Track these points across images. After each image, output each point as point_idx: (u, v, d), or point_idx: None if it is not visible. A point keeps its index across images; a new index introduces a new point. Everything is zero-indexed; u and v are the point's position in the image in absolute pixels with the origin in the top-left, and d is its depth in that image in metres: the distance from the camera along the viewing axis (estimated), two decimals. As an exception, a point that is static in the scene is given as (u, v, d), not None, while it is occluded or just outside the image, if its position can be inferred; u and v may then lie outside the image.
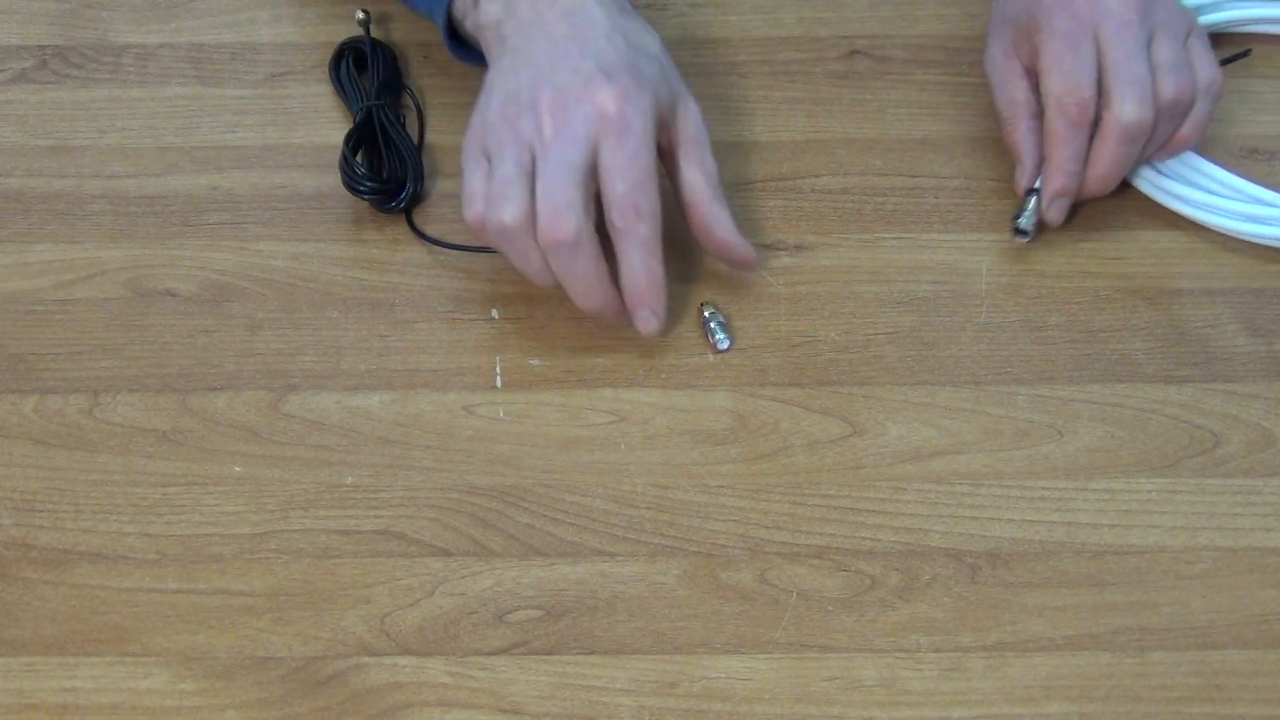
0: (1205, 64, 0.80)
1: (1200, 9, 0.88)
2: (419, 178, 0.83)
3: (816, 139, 0.87)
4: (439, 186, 0.85)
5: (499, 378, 0.77)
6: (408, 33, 0.92)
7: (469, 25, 0.82)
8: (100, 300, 0.80)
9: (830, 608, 0.69)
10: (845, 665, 0.68)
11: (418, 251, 0.82)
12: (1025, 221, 0.80)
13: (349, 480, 0.74)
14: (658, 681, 0.67)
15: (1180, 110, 0.79)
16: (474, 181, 0.75)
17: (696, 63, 0.90)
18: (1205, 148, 0.84)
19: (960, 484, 0.73)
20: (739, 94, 0.89)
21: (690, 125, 0.77)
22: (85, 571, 0.71)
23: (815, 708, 0.67)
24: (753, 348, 0.78)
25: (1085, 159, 0.79)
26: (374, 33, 0.90)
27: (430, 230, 0.82)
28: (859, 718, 0.66)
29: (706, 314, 0.78)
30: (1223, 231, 0.80)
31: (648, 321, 0.76)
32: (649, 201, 0.73)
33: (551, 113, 0.73)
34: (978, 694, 0.67)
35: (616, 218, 0.73)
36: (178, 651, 0.68)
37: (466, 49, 0.84)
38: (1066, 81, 0.77)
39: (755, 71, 0.90)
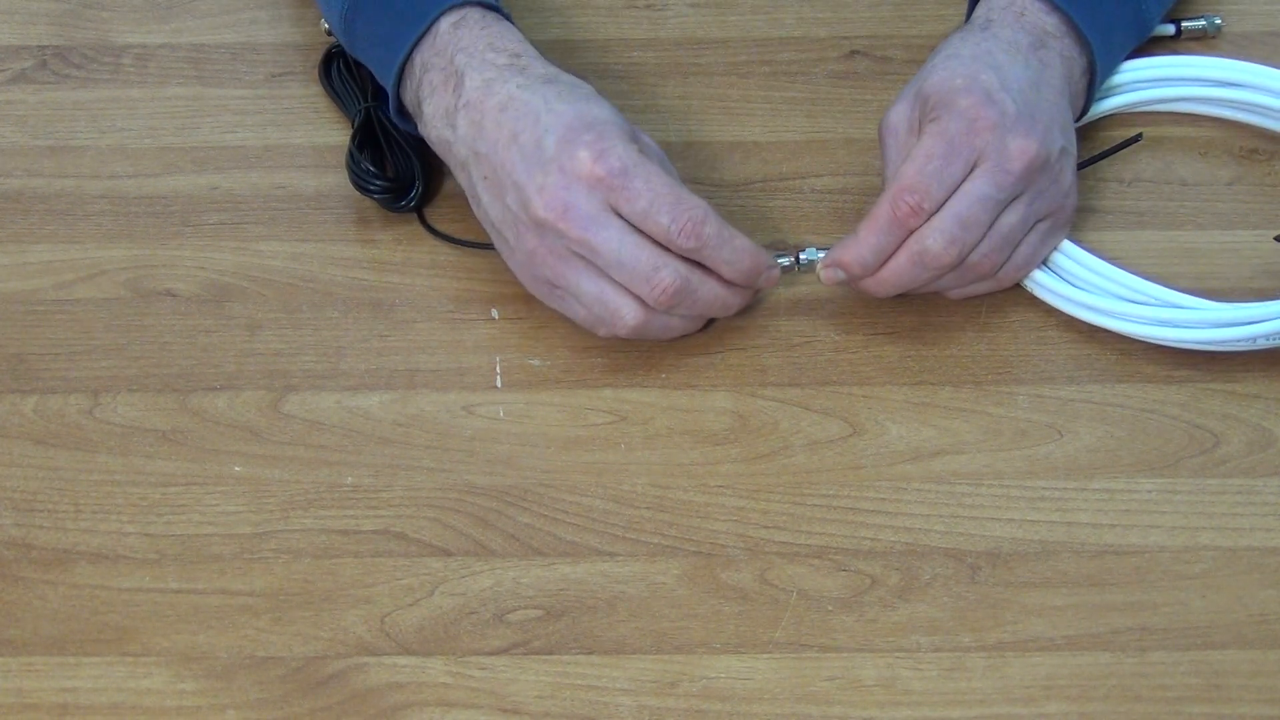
0: (1030, 254, 0.77)
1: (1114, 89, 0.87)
2: (427, 176, 0.83)
3: (816, 139, 0.87)
4: (446, 186, 0.85)
5: (499, 378, 0.77)
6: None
7: (420, 130, 0.80)
8: (100, 300, 0.80)
9: (830, 608, 0.69)
10: (845, 665, 0.68)
11: (418, 251, 0.82)
12: (807, 255, 0.77)
13: (349, 480, 0.74)
14: (658, 681, 0.67)
15: (973, 275, 0.76)
16: (575, 309, 0.75)
17: (696, 63, 0.90)
18: (1207, 150, 0.85)
19: (960, 484, 0.73)
20: (739, 94, 0.89)
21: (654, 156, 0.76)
22: (85, 571, 0.71)
23: (815, 708, 0.67)
24: (753, 348, 0.78)
25: (885, 257, 0.75)
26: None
27: (437, 228, 0.82)
28: (859, 718, 0.66)
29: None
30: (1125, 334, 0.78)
31: (770, 279, 0.76)
32: (694, 210, 0.72)
33: (559, 215, 0.72)
34: (978, 694, 0.67)
35: (683, 243, 0.72)
36: (178, 651, 0.68)
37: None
38: (918, 180, 0.73)
39: (755, 71, 0.90)
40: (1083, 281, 0.78)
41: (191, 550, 0.72)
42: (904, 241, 0.74)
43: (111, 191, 0.85)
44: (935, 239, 0.73)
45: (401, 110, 0.81)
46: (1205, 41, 0.90)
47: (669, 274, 0.72)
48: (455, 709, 0.67)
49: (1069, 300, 0.78)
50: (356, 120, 0.85)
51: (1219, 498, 0.73)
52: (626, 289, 0.73)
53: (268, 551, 0.71)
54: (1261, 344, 0.75)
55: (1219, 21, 0.90)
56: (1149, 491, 0.73)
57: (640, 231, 0.72)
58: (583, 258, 0.73)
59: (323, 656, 0.68)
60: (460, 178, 0.78)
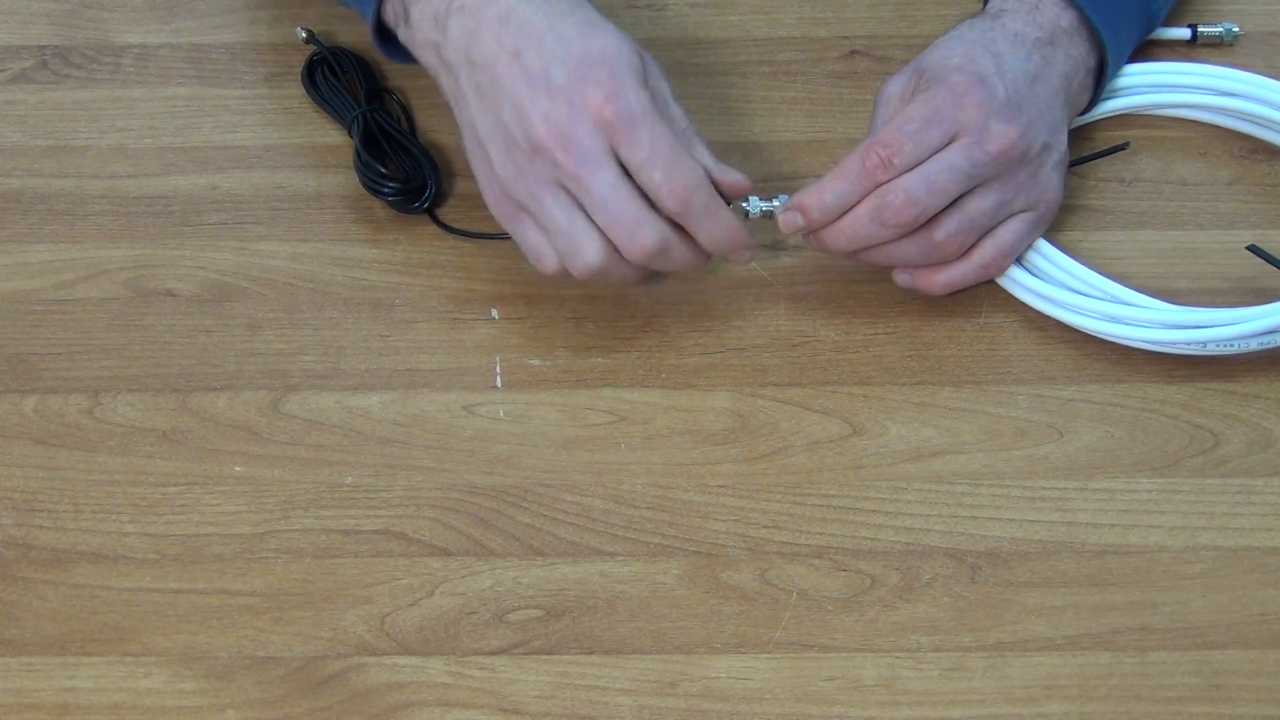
0: (1001, 246, 0.76)
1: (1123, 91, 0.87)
2: (439, 176, 0.83)
3: (816, 139, 0.87)
4: (456, 186, 0.85)
5: (499, 378, 0.77)
6: (353, 36, 0.92)
7: (401, 36, 0.80)
8: (100, 300, 0.80)
9: (830, 608, 0.69)
10: (845, 665, 0.68)
11: (418, 251, 0.82)
12: (754, 205, 0.76)
13: (349, 480, 0.74)
14: (658, 681, 0.67)
15: (936, 255, 0.75)
16: (531, 237, 0.74)
17: (696, 63, 0.90)
18: (1207, 150, 0.85)
19: (960, 484, 0.73)
20: (739, 94, 0.89)
21: (660, 84, 0.74)
22: (85, 571, 0.71)
23: (815, 708, 0.67)
24: (753, 348, 0.78)
25: (846, 207, 0.74)
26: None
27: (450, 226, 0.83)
28: (859, 718, 0.66)
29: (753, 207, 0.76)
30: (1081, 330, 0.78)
31: (744, 258, 0.76)
32: (690, 173, 0.71)
33: (558, 146, 0.71)
34: (978, 694, 0.67)
35: (670, 205, 0.71)
36: (178, 651, 0.68)
37: (396, 47, 0.81)
38: (894, 138, 0.73)
39: (755, 71, 0.90)
40: (1040, 271, 0.79)
41: (191, 550, 0.72)
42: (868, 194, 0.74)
43: (111, 191, 0.85)
44: (896, 194, 0.73)
45: (380, 32, 0.80)
46: (1221, 49, 0.90)
47: (652, 231, 0.71)
48: (455, 709, 0.67)
49: (1024, 288, 0.78)
50: (356, 125, 0.84)
51: (1219, 498, 0.73)
52: (601, 232, 0.72)
53: (268, 551, 0.71)
54: (1211, 349, 0.75)
55: (1237, 30, 0.90)
56: (1149, 491, 0.73)
57: (632, 182, 0.71)
58: (567, 190, 0.72)
59: (323, 656, 0.68)
60: (444, 81, 0.77)
